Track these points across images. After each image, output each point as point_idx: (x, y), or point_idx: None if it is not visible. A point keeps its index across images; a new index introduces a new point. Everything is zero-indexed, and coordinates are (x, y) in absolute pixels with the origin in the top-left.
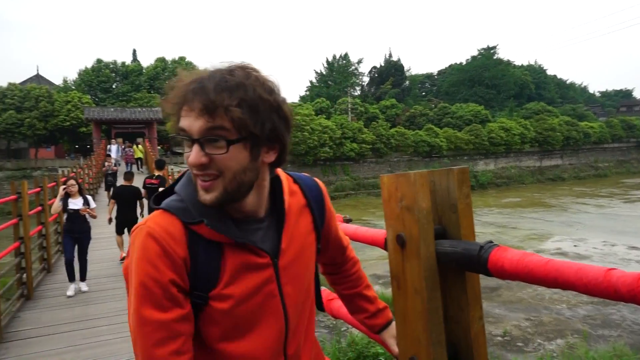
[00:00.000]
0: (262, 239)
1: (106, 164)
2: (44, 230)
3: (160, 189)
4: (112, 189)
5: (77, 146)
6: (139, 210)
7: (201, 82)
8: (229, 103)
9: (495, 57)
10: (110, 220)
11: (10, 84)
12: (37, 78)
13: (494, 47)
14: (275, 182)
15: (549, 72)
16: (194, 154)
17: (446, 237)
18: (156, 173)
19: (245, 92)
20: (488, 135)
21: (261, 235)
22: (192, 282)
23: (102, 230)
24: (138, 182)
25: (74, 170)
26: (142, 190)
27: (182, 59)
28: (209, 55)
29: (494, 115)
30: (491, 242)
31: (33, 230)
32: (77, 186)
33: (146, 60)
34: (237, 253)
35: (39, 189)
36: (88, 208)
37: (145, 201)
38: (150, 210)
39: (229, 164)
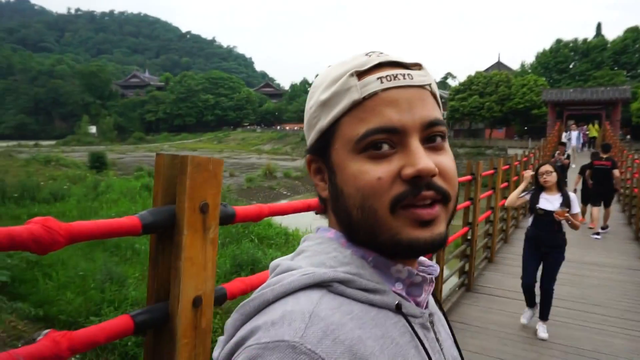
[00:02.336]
0: None
1: (557, 153)
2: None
3: (614, 171)
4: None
5: (525, 128)
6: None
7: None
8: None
9: None
10: (574, 191)
11: (476, 72)
12: (498, 65)
13: None
14: None
15: None
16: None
17: None
18: (603, 156)
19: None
20: None
21: None
22: None
23: None
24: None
25: (527, 154)
26: (587, 171)
27: None
28: None
29: None
30: None
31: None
32: (554, 175)
33: (612, 33)
34: None
35: (492, 171)
36: (567, 211)
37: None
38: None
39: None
